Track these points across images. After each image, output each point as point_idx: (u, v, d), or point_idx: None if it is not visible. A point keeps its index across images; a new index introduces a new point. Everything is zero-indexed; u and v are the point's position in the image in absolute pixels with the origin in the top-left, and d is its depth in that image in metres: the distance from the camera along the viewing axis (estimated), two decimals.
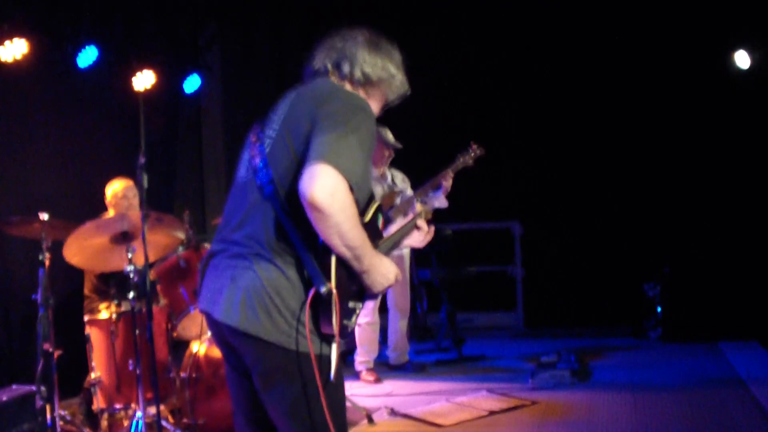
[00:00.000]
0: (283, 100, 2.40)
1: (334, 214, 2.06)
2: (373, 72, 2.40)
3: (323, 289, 2.12)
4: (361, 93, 2.41)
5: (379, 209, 2.37)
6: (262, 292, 2.16)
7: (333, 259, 2.16)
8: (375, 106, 2.45)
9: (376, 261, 2.24)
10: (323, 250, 2.16)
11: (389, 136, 5.91)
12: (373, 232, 2.35)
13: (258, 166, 2.28)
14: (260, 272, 2.17)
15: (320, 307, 2.16)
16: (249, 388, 2.30)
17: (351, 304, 2.25)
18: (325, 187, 2.05)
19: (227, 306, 2.19)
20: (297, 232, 2.17)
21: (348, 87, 2.40)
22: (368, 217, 2.33)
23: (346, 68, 2.39)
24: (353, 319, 2.28)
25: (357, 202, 2.18)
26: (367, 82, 2.41)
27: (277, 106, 2.39)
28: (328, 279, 2.14)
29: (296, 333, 2.16)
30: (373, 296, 2.33)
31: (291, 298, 2.17)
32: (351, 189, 2.11)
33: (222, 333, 2.28)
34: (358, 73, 2.39)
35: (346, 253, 2.15)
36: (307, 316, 2.15)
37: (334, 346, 2.20)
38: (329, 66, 2.41)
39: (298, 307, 2.16)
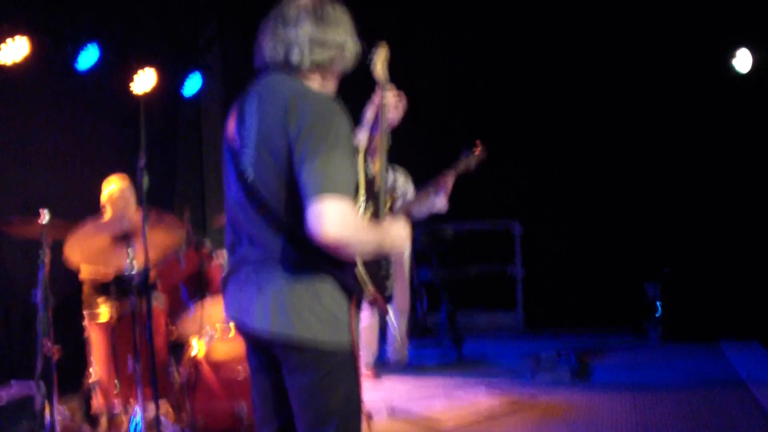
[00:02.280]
0: (248, 104, 2.32)
1: (352, 241, 2.10)
2: (321, 54, 2.29)
3: (367, 298, 2.28)
4: (317, 77, 2.33)
5: (365, 160, 2.36)
6: (289, 295, 2.18)
7: (360, 268, 2.25)
8: (333, 83, 2.40)
9: (391, 238, 2.28)
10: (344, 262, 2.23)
11: None
12: (369, 186, 2.36)
13: (249, 189, 2.24)
14: (285, 277, 2.20)
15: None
16: (276, 386, 2.33)
17: (383, 272, 2.37)
18: (335, 222, 2.05)
19: (259, 314, 2.22)
20: (315, 250, 2.14)
21: (303, 80, 2.32)
22: (361, 176, 2.32)
23: (295, 58, 2.29)
24: (391, 278, 2.42)
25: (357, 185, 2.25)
26: (320, 67, 2.32)
27: (244, 112, 2.31)
28: (362, 286, 2.26)
29: (332, 330, 2.20)
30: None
31: (320, 294, 2.19)
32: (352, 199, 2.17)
33: (253, 339, 2.33)
34: (306, 63, 2.29)
35: (369, 254, 2.24)
36: (352, 321, 2.23)
37: (391, 313, 2.39)
38: (280, 59, 2.32)
39: (331, 305, 2.20)
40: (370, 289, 2.26)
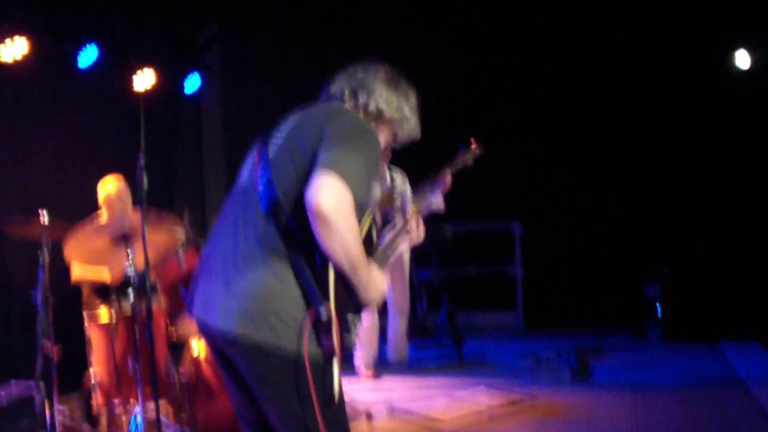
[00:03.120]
0: (293, 113, 2.43)
1: (338, 223, 2.07)
2: (388, 109, 2.44)
3: (323, 313, 2.12)
4: (372, 124, 2.43)
5: (372, 223, 2.37)
6: (257, 297, 2.14)
7: (331, 276, 2.16)
8: (383, 139, 2.49)
9: (372, 275, 2.24)
10: (321, 267, 2.16)
11: None
12: (368, 245, 2.34)
13: (261, 176, 2.27)
14: (254, 276, 2.16)
15: (319, 325, 2.15)
16: (247, 395, 2.30)
17: (350, 317, 2.25)
18: (332, 196, 2.07)
19: (222, 312, 2.18)
20: (296, 245, 2.17)
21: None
22: (363, 231, 2.31)
23: (362, 98, 2.43)
24: (353, 330, 2.28)
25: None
26: (379, 117, 2.45)
27: (287, 118, 2.42)
28: (326, 298, 2.14)
29: (294, 336, 2.13)
30: (367, 309, 2.34)
31: (288, 302, 2.15)
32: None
33: (215, 340, 2.26)
34: (372, 106, 2.43)
35: (345, 264, 2.14)
36: (305, 326, 2.14)
37: (335, 362, 2.19)
38: (346, 92, 2.45)
39: (295, 311, 2.14)
40: (329, 305, 2.13)
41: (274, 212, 2.20)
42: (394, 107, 2.45)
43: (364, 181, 2.17)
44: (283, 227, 2.19)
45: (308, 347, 2.14)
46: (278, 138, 2.34)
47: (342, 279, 2.19)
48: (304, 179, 2.16)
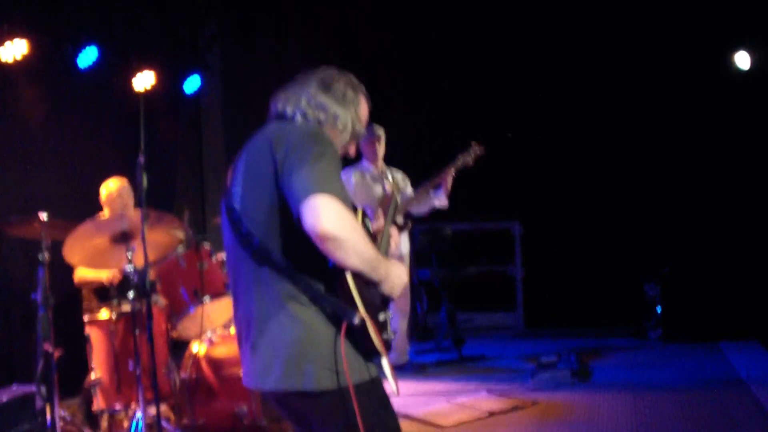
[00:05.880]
0: (240, 155, 2.40)
1: (348, 237, 2.08)
2: (312, 112, 2.37)
3: (356, 320, 2.14)
4: None
5: (364, 216, 2.37)
6: (287, 350, 2.17)
7: (351, 284, 2.16)
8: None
9: (389, 266, 2.26)
10: (334, 281, 2.17)
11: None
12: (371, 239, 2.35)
13: (235, 222, 2.28)
14: (277, 330, 2.19)
15: (356, 335, 2.18)
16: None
17: (381, 317, 2.27)
18: (330, 216, 2.06)
19: (261, 373, 2.23)
20: (302, 277, 2.18)
21: None
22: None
23: (289, 110, 2.39)
24: (388, 328, 2.31)
25: None
26: (318, 125, 2.38)
27: (237, 162, 2.39)
28: (354, 307, 2.15)
29: (331, 372, 2.16)
30: (393, 301, 2.36)
31: (316, 341, 2.17)
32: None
33: (276, 401, 2.33)
34: (297, 115, 2.37)
35: (365, 268, 2.16)
36: (342, 349, 2.16)
37: (385, 362, 2.24)
38: (279, 110, 2.42)
39: (325, 346, 2.17)
40: (360, 313, 2.14)
41: (265, 260, 2.21)
42: (320, 108, 2.37)
43: (339, 182, 2.17)
44: (280, 268, 2.20)
45: (353, 370, 2.17)
46: (237, 186, 2.33)
47: (362, 278, 2.19)
48: (273, 208, 2.19)
